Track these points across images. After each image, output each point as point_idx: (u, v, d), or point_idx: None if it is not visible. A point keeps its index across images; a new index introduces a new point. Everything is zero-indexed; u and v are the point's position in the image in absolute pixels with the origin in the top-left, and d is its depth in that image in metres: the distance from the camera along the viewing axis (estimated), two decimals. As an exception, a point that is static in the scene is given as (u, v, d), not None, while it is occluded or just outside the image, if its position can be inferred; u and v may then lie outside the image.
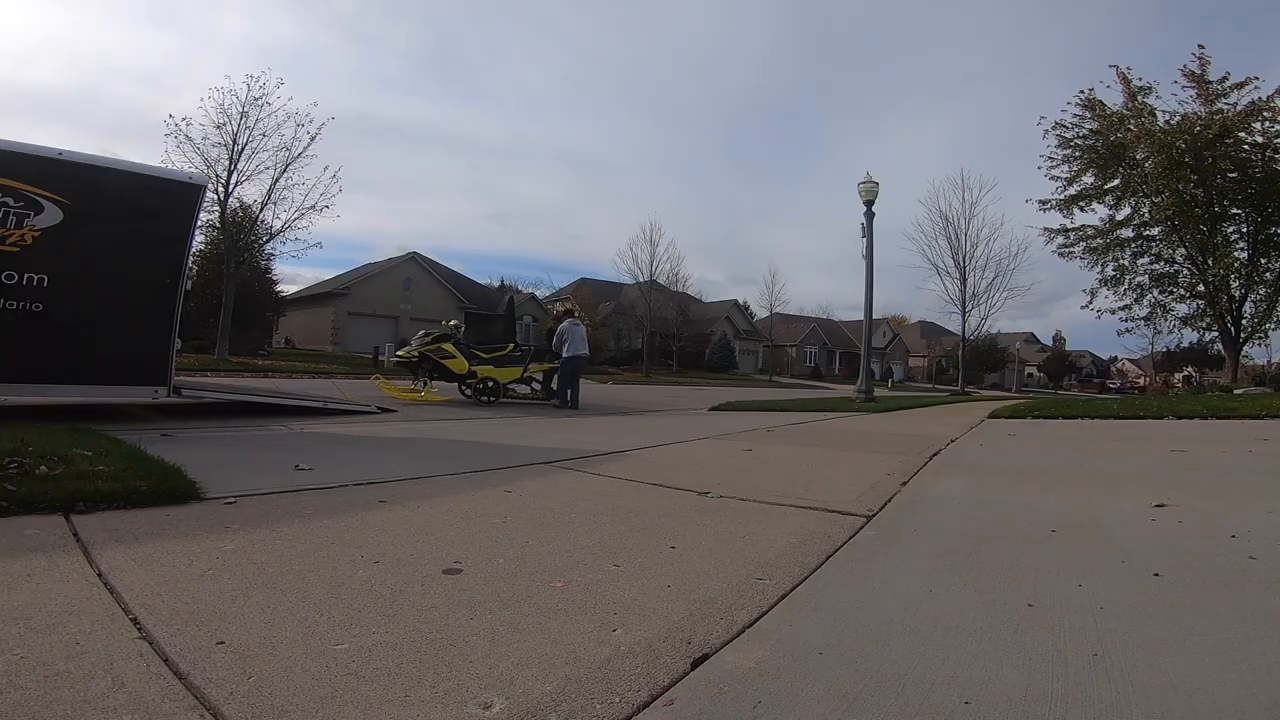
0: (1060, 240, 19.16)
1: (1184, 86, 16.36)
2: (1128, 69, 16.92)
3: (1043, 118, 18.39)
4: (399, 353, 9.65)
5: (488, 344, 10.06)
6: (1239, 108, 15.62)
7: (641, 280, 34.69)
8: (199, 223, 7.06)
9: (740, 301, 50.64)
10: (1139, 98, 16.72)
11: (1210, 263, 16.56)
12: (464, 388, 9.20)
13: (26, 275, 4.74)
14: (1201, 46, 16.47)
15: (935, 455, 4.47)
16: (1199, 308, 18.12)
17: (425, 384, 9.08)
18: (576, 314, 10.53)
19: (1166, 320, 19.01)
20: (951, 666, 1.28)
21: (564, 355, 9.51)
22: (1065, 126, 17.96)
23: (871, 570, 1.94)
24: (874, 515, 2.62)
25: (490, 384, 9.13)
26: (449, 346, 9.01)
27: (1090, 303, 19.25)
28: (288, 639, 1.35)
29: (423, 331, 9.68)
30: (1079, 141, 17.91)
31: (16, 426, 3.66)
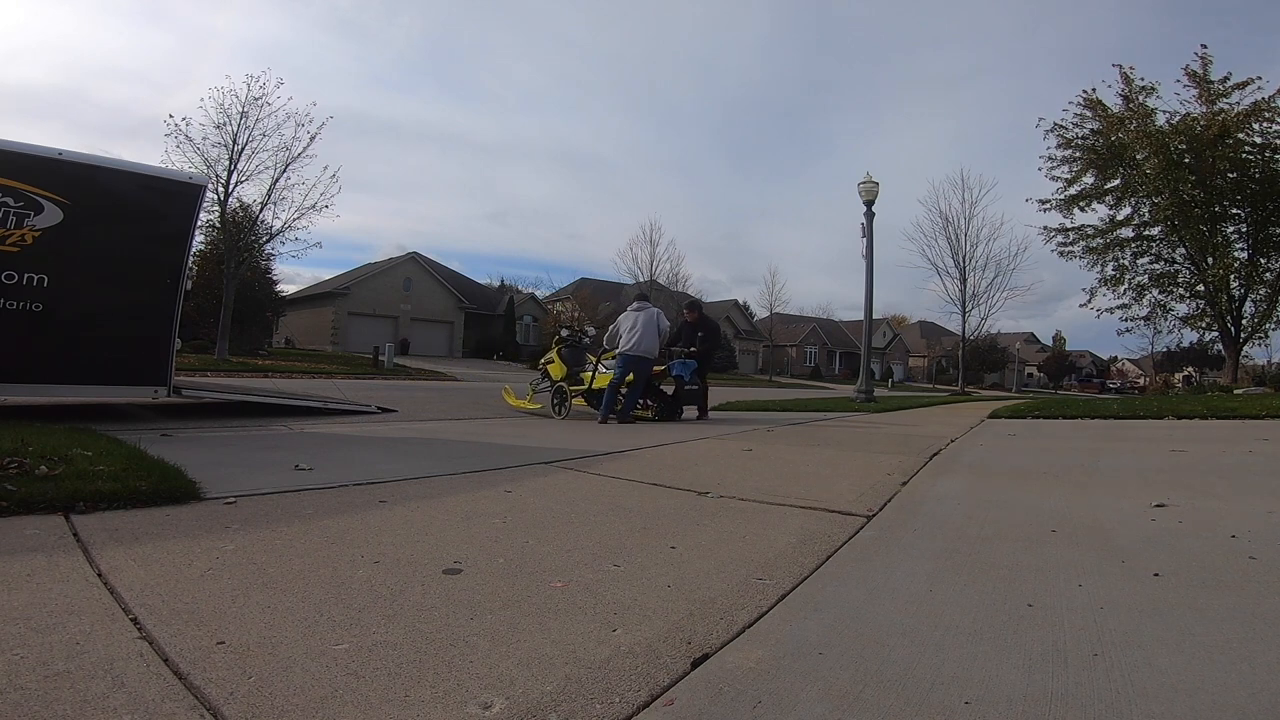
0: (1060, 239, 19.19)
1: (1185, 86, 16.37)
2: (1130, 68, 16.92)
3: (1042, 118, 18.41)
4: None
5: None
6: (1240, 107, 15.62)
7: (642, 280, 34.74)
8: (199, 223, 7.05)
9: (740, 301, 50.77)
10: (1140, 98, 16.71)
11: (1210, 262, 16.56)
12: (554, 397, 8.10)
13: (26, 275, 4.75)
14: (1204, 46, 16.50)
15: (935, 455, 4.47)
16: (1199, 308, 18.13)
17: (531, 393, 8.62)
18: (649, 300, 8.20)
19: (1166, 320, 19.05)
20: (951, 666, 1.28)
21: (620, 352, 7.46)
22: (1065, 127, 17.96)
23: (871, 570, 1.93)
24: (874, 515, 2.62)
25: (560, 388, 7.89)
26: (553, 353, 8.41)
27: (1089, 302, 19.28)
28: (288, 639, 1.35)
29: (562, 333, 8.95)
30: (1080, 142, 17.90)
31: (16, 426, 3.66)
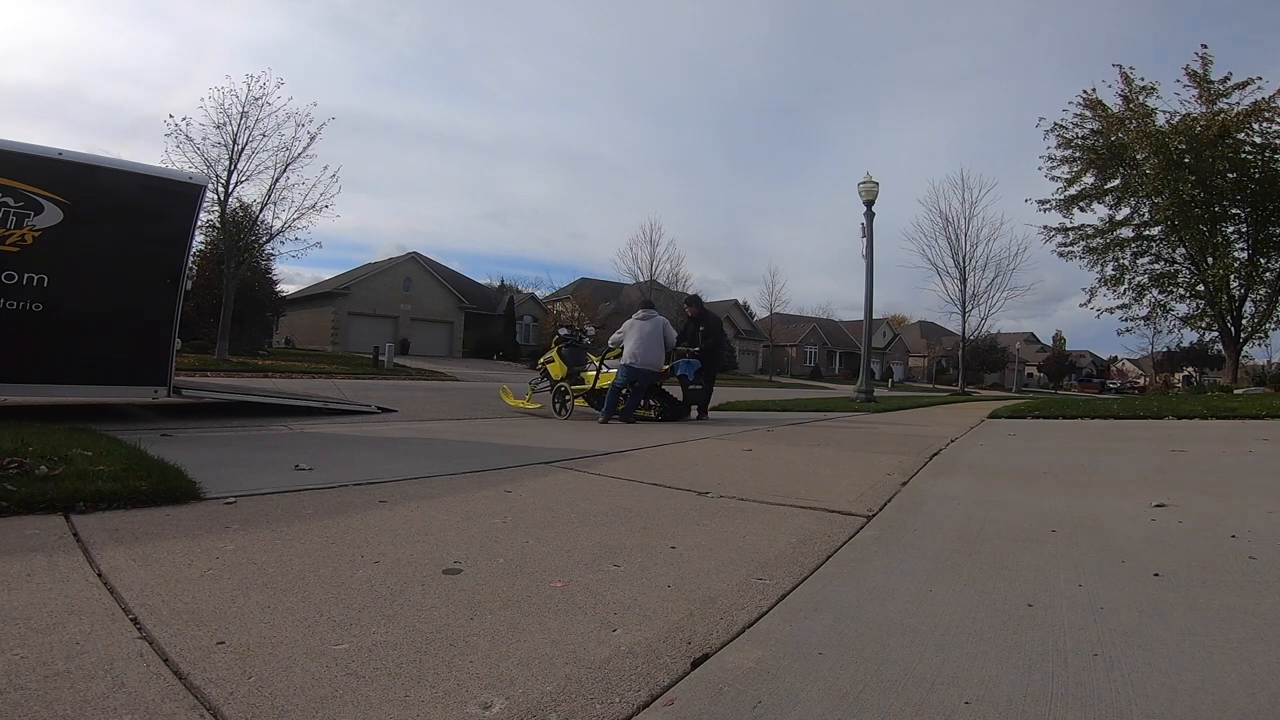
0: (1060, 239, 19.23)
1: (1185, 86, 16.39)
2: (1130, 68, 16.94)
3: (1042, 118, 18.44)
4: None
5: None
6: (1240, 107, 15.64)
7: (642, 280, 34.76)
8: (199, 223, 7.05)
9: (740, 301, 50.86)
10: (1140, 98, 16.74)
11: (1210, 262, 16.57)
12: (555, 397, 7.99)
13: (26, 275, 4.74)
14: (1204, 46, 16.53)
15: (935, 455, 4.47)
16: (1199, 308, 18.16)
17: (530, 393, 8.46)
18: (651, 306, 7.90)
19: (1166, 320, 19.09)
20: (951, 666, 1.28)
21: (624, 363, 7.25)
22: (1065, 127, 17.99)
23: (871, 570, 1.93)
24: (874, 515, 2.62)
25: (560, 388, 7.81)
26: (553, 353, 8.24)
27: (1089, 302, 19.32)
28: (288, 639, 1.34)
29: (560, 332, 8.76)
30: (1080, 142, 17.92)
31: (16, 426, 3.66)
